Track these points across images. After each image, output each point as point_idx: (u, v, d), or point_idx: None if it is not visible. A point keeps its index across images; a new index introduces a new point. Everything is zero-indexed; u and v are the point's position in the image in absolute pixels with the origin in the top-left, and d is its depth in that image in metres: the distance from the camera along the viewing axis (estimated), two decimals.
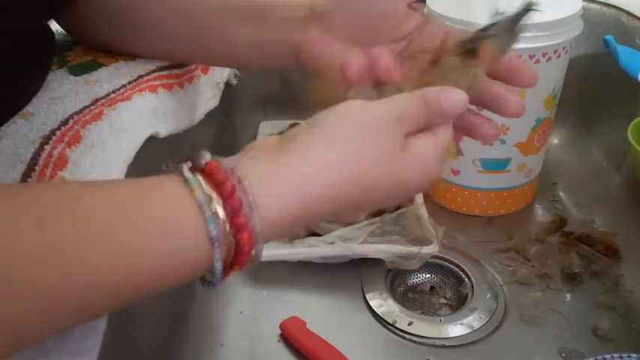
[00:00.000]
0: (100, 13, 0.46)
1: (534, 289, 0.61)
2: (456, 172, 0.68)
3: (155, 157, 0.43)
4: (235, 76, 0.73)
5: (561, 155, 0.81)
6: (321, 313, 0.59)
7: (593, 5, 0.76)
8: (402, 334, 0.56)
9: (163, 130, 0.46)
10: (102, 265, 0.24)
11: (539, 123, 0.64)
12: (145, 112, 0.44)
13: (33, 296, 0.23)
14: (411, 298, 0.62)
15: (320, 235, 0.63)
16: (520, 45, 0.56)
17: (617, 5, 0.75)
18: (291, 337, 0.56)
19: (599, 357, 0.48)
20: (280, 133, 0.82)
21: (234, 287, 0.62)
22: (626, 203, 0.70)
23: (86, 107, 0.40)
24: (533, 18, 0.57)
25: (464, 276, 0.62)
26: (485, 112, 0.40)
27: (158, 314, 0.51)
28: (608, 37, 0.67)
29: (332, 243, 0.62)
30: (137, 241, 0.25)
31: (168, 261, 0.26)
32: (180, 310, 0.57)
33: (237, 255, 0.27)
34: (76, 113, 0.40)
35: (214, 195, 0.26)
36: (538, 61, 0.59)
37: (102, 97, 0.42)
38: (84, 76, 0.44)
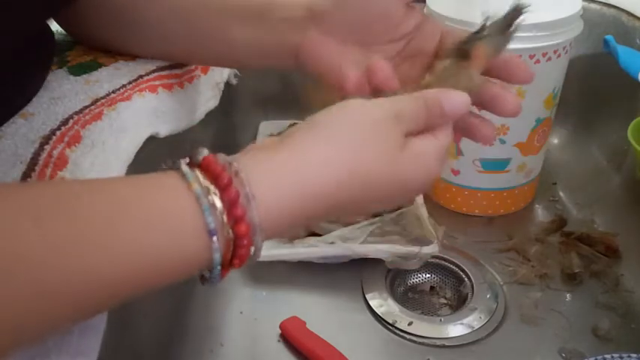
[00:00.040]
0: (100, 12, 0.46)
1: (534, 289, 0.61)
2: (456, 172, 0.68)
3: (155, 157, 0.43)
4: (235, 76, 0.73)
5: (561, 155, 0.81)
6: (321, 313, 0.59)
7: (593, 5, 0.76)
8: (402, 334, 0.56)
9: (163, 130, 0.46)
10: (102, 262, 0.24)
11: (539, 123, 0.64)
12: (145, 112, 0.44)
13: (33, 294, 0.23)
14: (411, 298, 0.62)
15: (320, 235, 0.63)
16: (520, 45, 0.57)
17: (617, 5, 0.75)
18: (291, 337, 0.56)
19: (599, 357, 0.48)
20: (280, 133, 0.83)
21: (234, 287, 0.62)
22: (626, 203, 0.70)
23: (86, 107, 0.40)
24: (534, 18, 0.57)
25: (464, 276, 0.62)
26: (483, 112, 0.40)
27: (158, 314, 0.51)
28: (608, 37, 0.67)
29: (332, 243, 0.62)
30: (136, 236, 0.25)
31: (167, 255, 0.26)
32: (180, 309, 0.57)
33: (236, 249, 0.27)
34: (76, 113, 0.40)
35: (211, 187, 0.27)
36: (538, 61, 0.59)
37: (102, 97, 0.42)
38: (84, 76, 0.44)
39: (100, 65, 0.46)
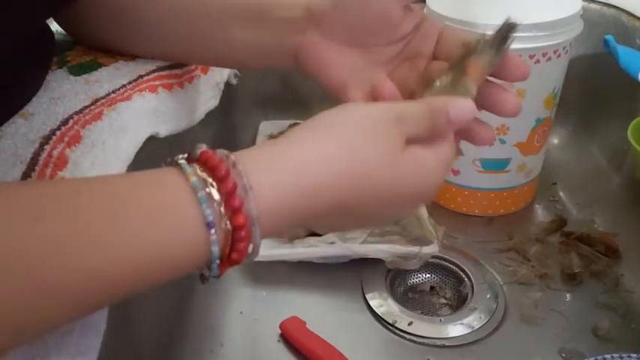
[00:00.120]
0: (100, 12, 0.46)
1: (534, 289, 0.61)
2: (456, 172, 0.68)
3: (155, 157, 0.43)
4: (235, 76, 0.73)
5: (561, 155, 0.81)
6: (321, 313, 0.59)
7: (593, 5, 0.76)
8: (402, 334, 0.56)
9: (163, 130, 0.46)
10: (102, 259, 0.24)
11: (539, 123, 0.64)
12: (145, 112, 0.44)
13: (33, 292, 0.23)
14: (411, 298, 0.62)
15: (320, 235, 0.63)
16: (520, 45, 0.57)
17: (617, 5, 0.75)
18: (291, 337, 0.56)
19: (599, 357, 0.48)
20: (280, 133, 0.83)
21: (234, 287, 0.63)
22: (626, 203, 0.70)
23: (86, 107, 0.40)
24: (534, 18, 0.57)
25: (464, 276, 0.62)
26: (483, 113, 0.40)
27: (158, 314, 0.51)
28: (608, 37, 0.67)
29: (332, 243, 0.62)
30: (136, 233, 0.25)
31: (167, 251, 0.26)
32: (180, 310, 0.57)
33: (235, 242, 0.27)
34: (76, 113, 0.40)
35: (209, 179, 0.27)
36: (538, 61, 0.59)
37: (102, 97, 0.42)
38: (84, 76, 0.44)
39: (100, 65, 0.46)
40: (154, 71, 0.47)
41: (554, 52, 0.59)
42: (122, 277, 0.25)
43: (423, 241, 0.62)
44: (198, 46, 0.47)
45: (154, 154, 0.44)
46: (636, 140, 0.60)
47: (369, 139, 0.31)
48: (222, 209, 0.26)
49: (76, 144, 0.37)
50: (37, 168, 0.35)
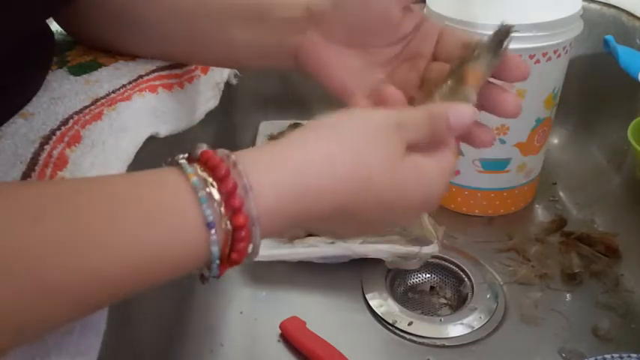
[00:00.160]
0: (100, 12, 0.46)
1: (534, 289, 0.61)
2: (456, 172, 0.68)
3: (155, 157, 0.43)
4: (235, 76, 0.73)
5: (561, 155, 0.81)
6: (321, 313, 0.59)
7: (593, 5, 0.76)
8: (402, 334, 0.56)
9: (163, 130, 0.46)
10: (102, 260, 0.24)
11: (539, 123, 0.64)
12: (145, 112, 0.44)
13: (33, 292, 0.23)
14: (411, 298, 0.62)
15: (320, 235, 0.63)
16: (520, 45, 0.57)
17: (617, 5, 0.75)
18: (291, 337, 0.56)
19: (599, 357, 0.48)
20: (280, 133, 0.83)
21: (234, 287, 0.63)
22: (626, 203, 0.70)
23: (86, 107, 0.40)
24: (534, 18, 0.57)
25: (464, 276, 0.62)
26: (483, 114, 0.40)
27: (158, 314, 0.51)
28: (608, 37, 0.67)
29: (332, 243, 0.62)
30: (137, 233, 0.25)
31: (167, 251, 0.26)
32: (180, 310, 0.57)
33: (235, 242, 0.27)
34: (76, 113, 0.40)
35: (209, 178, 0.27)
36: (538, 61, 0.59)
37: (102, 97, 0.42)
38: (84, 76, 0.44)
39: (100, 65, 0.46)
40: (154, 71, 0.47)
41: (554, 52, 0.59)
42: (122, 276, 0.25)
43: (423, 241, 0.62)
44: (198, 46, 0.47)
45: (153, 154, 0.44)
46: (636, 140, 0.60)
47: (372, 144, 0.31)
48: (222, 209, 0.26)
49: (76, 144, 0.37)
50: (37, 168, 0.35)
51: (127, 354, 0.42)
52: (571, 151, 0.81)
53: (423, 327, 0.57)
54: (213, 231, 0.26)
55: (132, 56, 0.48)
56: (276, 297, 0.62)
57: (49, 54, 0.45)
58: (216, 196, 0.26)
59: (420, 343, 0.56)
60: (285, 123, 0.84)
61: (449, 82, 0.38)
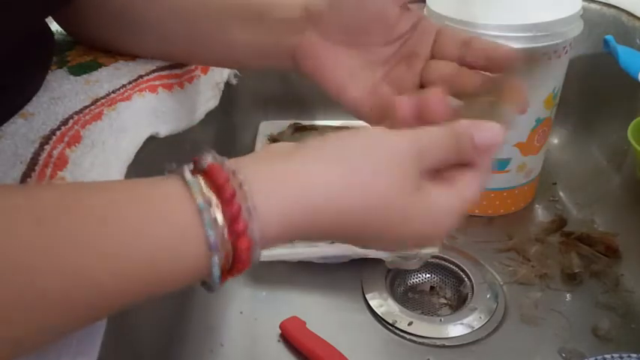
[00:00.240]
0: (100, 12, 0.46)
1: (534, 289, 0.61)
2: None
3: (155, 157, 0.43)
4: (235, 76, 0.73)
5: (561, 155, 0.81)
6: (321, 313, 0.59)
7: (593, 5, 0.76)
8: (402, 334, 0.56)
9: (163, 130, 0.46)
10: (104, 276, 0.24)
11: (539, 123, 0.64)
12: (145, 112, 0.44)
13: (34, 300, 0.23)
14: (411, 298, 0.62)
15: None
16: (520, 45, 0.57)
17: (617, 5, 0.75)
18: (291, 337, 0.56)
19: (599, 357, 0.48)
20: (280, 133, 0.83)
21: (234, 287, 0.63)
22: (626, 203, 0.70)
23: (86, 107, 0.40)
24: (534, 18, 0.57)
25: (464, 276, 0.62)
26: None
27: (158, 314, 0.51)
28: (608, 37, 0.67)
29: (332, 243, 0.62)
30: (137, 245, 0.25)
31: (168, 268, 0.26)
32: (180, 310, 0.57)
33: (235, 262, 0.27)
34: (76, 113, 0.40)
35: (214, 199, 0.26)
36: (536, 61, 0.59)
37: (102, 97, 0.42)
38: (84, 76, 0.44)
39: (100, 65, 0.46)
40: (154, 71, 0.47)
41: (554, 52, 0.59)
42: (122, 291, 0.25)
43: None
44: (198, 46, 0.47)
45: (154, 154, 0.44)
46: (636, 140, 0.60)
47: (383, 171, 0.30)
48: (225, 232, 0.26)
49: (76, 144, 0.37)
50: (37, 168, 0.35)
51: (127, 354, 0.42)
52: (571, 151, 0.81)
53: (423, 327, 0.57)
54: (215, 250, 0.26)
55: (132, 56, 0.48)
56: (276, 297, 0.62)
57: (49, 54, 0.45)
58: (221, 220, 0.26)
59: (420, 343, 0.56)
60: (285, 123, 0.84)
61: (484, 97, 0.35)
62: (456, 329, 0.56)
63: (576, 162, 0.79)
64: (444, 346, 0.55)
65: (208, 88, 0.57)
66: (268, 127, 0.84)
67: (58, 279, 0.23)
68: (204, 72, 0.56)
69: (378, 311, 0.58)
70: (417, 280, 0.64)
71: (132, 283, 0.25)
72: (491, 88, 0.36)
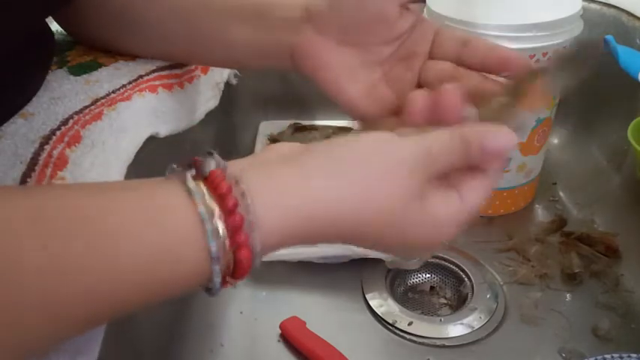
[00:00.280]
0: (100, 12, 0.46)
1: (534, 289, 0.61)
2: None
3: (155, 157, 0.43)
4: (235, 76, 0.73)
5: (561, 155, 0.81)
6: (321, 313, 0.59)
7: (593, 5, 0.76)
8: (402, 334, 0.56)
9: (163, 130, 0.46)
10: (102, 278, 0.24)
11: (539, 123, 0.64)
12: (145, 112, 0.44)
13: (37, 312, 0.23)
14: (411, 298, 0.62)
15: None
16: (520, 45, 0.57)
17: (617, 5, 0.75)
18: (291, 337, 0.56)
19: (599, 357, 0.48)
20: (280, 133, 0.82)
21: (234, 287, 0.62)
22: (626, 203, 0.70)
23: (86, 107, 0.40)
24: (534, 18, 0.57)
25: (464, 276, 0.62)
26: None
27: (158, 314, 0.51)
28: (608, 37, 0.67)
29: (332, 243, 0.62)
30: (138, 253, 0.25)
31: (168, 274, 0.26)
32: (180, 309, 0.57)
33: (236, 270, 0.27)
34: (76, 113, 0.40)
35: (216, 209, 0.26)
36: (538, 61, 0.59)
37: (102, 97, 0.42)
38: (84, 76, 0.44)
39: (100, 65, 0.46)
40: (154, 71, 0.47)
41: (554, 52, 0.59)
42: (123, 298, 0.25)
43: None
44: (198, 46, 0.47)
45: (154, 154, 0.44)
46: (636, 140, 0.60)
47: (385, 180, 0.29)
48: (226, 242, 0.26)
49: (76, 144, 0.37)
50: (37, 168, 0.35)
51: (127, 353, 0.42)
52: (571, 151, 0.81)
53: (423, 327, 0.57)
54: (216, 261, 0.26)
55: (132, 56, 0.48)
56: (276, 297, 0.62)
57: (49, 54, 0.45)
58: (222, 231, 0.26)
59: (420, 343, 0.56)
60: (285, 123, 0.84)
61: (501, 98, 0.34)
62: (456, 329, 0.56)
63: (576, 162, 0.79)
64: (444, 346, 0.55)
65: (208, 88, 0.57)
66: (268, 127, 0.84)
67: (64, 294, 0.23)
68: (204, 72, 0.56)
69: (378, 311, 0.58)
70: (417, 280, 0.64)
71: (133, 291, 0.25)
72: (511, 90, 0.34)
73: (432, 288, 0.63)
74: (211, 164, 0.27)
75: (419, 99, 0.36)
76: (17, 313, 0.23)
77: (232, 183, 0.27)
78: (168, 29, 0.46)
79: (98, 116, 0.40)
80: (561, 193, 0.75)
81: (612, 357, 0.48)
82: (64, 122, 0.38)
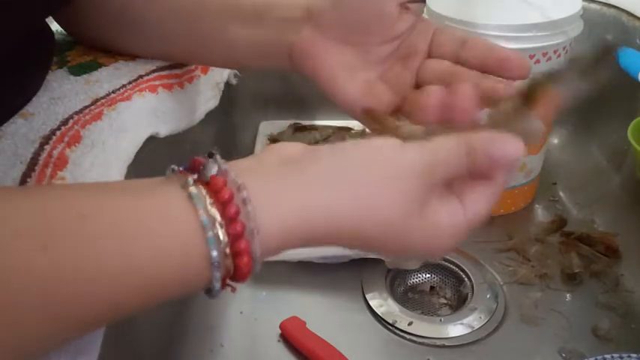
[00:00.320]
0: (100, 12, 0.46)
1: (534, 289, 0.61)
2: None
3: (155, 157, 0.43)
4: (235, 76, 0.73)
5: (561, 155, 0.81)
6: (321, 313, 0.59)
7: (593, 5, 0.76)
8: (402, 334, 0.56)
9: (163, 130, 0.46)
10: (107, 287, 0.24)
11: None
12: (145, 112, 0.44)
13: (39, 315, 0.23)
14: (411, 298, 0.62)
15: None
16: (520, 45, 0.57)
17: (617, 5, 0.75)
18: (291, 337, 0.56)
19: (599, 357, 0.48)
20: (280, 133, 0.82)
21: (234, 293, 0.62)
22: (626, 203, 0.70)
23: (86, 107, 0.40)
24: (534, 18, 0.57)
25: (464, 276, 0.62)
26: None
27: (158, 314, 0.51)
28: (622, 51, 0.66)
29: None
30: (141, 263, 0.25)
31: (168, 278, 0.26)
32: (180, 310, 0.57)
33: (236, 275, 0.27)
34: (76, 113, 0.40)
35: (217, 216, 0.26)
36: (538, 61, 0.59)
37: (102, 97, 0.42)
38: (84, 76, 0.44)
39: (100, 65, 0.46)
40: (154, 71, 0.47)
41: (554, 52, 0.59)
42: (123, 302, 0.25)
43: None
44: (198, 46, 0.47)
45: (154, 154, 0.44)
46: (636, 140, 0.60)
47: (386, 188, 0.29)
48: (227, 249, 0.26)
49: (76, 144, 0.37)
50: (37, 168, 0.35)
51: (127, 353, 0.42)
52: (571, 151, 0.81)
53: (423, 327, 0.57)
54: (216, 267, 0.26)
55: (132, 56, 0.48)
56: (276, 297, 0.62)
57: (49, 54, 0.45)
58: (223, 238, 0.26)
59: (420, 343, 0.56)
60: (285, 123, 0.84)
61: (511, 103, 0.33)
62: (456, 329, 0.56)
63: (576, 162, 0.79)
64: (444, 346, 0.55)
65: (208, 88, 0.57)
66: (268, 127, 0.84)
67: (65, 298, 0.23)
68: (204, 72, 0.56)
69: (378, 311, 0.58)
70: (417, 280, 0.64)
71: (132, 293, 0.25)
72: (522, 94, 0.34)
73: (432, 288, 0.63)
74: (213, 169, 0.27)
75: (433, 95, 0.35)
76: (17, 313, 0.23)
77: (234, 190, 0.27)
78: (168, 29, 0.46)
79: (98, 116, 0.40)
80: (561, 193, 0.75)
81: (612, 357, 0.48)
82: (64, 122, 0.38)
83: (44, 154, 0.36)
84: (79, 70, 0.44)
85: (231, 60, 0.49)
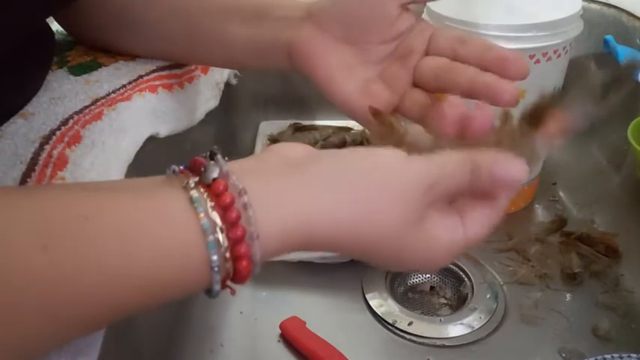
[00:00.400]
0: (100, 12, 0.46)
1: (534, 289, 0.61)
2: None
3: (155, 157, 0.43)
4: (235, 76, 0.73)
5: (561, 155, 0.81)
6: (321, 313, 0.59)
7: (593, 5, 0.76)
8: (402, 334, 0.56)
9: (163, 130, 0.46)
10: (108, 288, 0.24)
11: None
12: (145, 112, 0.44)
13: (40, 316, 0.23)
14: (411, 298, 0.62)
15: None
16: (520, 45, 0.57)
17: (617, 5, 0.75)
18: (291, 337, 0.56)
19: (599, 357, 0.48)
20: (280, 133, 0.82)
21: (234, 287, 0.62)
22: (626, 203, 0.70)
23: (86, 107, 0.41)
24: (534, 18, 0.57)
25: (464, 276, 0.62)
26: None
27: (158, 314, 0.51)
28: (608, 37, 0.67)
29: None
30: (141, 265, 0.25)
31: (168, 280, 0.26)
32: (180, 310, 0.57)
33: (235, 277, 0.27)
34: (76, 113, 0.40)
35: (218, 221, 0.26)
36: (538, 61, 0.59)
37: (102, 97, 0.42)
38: (84, 76, 0.44)
39: (100, 65, 0.46)
40: (153, 71, 0.47)
41: (554, 52, 0.59)
42: (123, 304, 0.25)
43: None
44: (198, 46, 0.47)
45: (154, 154, 0.44)
46: (636, 140, 0.60)
47: (385, 200, 0.29)
48: (227, 253, 0.26)
49: (76, 144, 0.37)
50: (37, 168, 0.35)
51: (127, 353, 0.42)
52: (571, 151, 0.81)
53: (423, 327, 0.57)
54: (217, 276, 0.26)
55: (132, 56, 0.48)
56: (276, 297, 0.62)
57: (49, 54, 0.45)
58: (224, 242, 0.26)
59: (420, 343, 0.56)
60: (285, 123, 0.84)
61: (517, 122, 0.32)
62: (456, 329, 0.56)
63: (576, 162, 0.79)
64: (444, 346, 0.55)
65: (208, 88, 0.57)
66: (268, 127, 0.84)
67: (66, 298, 0.23)
68: (204, 72, 0.56)
69: (378, 311, 0.58)
70: (417, 280, 0.64)
71: (132, 293, 0.25)
72: (528, 114, 0.33)
73: (432, 288, 0.63)
74: (215, 171, 0.27)
75: (454, 108, 0.35)
76: (17, 313, 0.23)
77: (235, 194, 0.27)
78: (168, 29, 0.46)
79: (98, 116, 0.40)
80: (561, 193, 0.75)
81: (612, 357, 0.48)
82: (64, 122, 0.38)
83: (44, 154, 0.36)
84: (79, 70, 0.44)
85: (231, 60, 0.49)
